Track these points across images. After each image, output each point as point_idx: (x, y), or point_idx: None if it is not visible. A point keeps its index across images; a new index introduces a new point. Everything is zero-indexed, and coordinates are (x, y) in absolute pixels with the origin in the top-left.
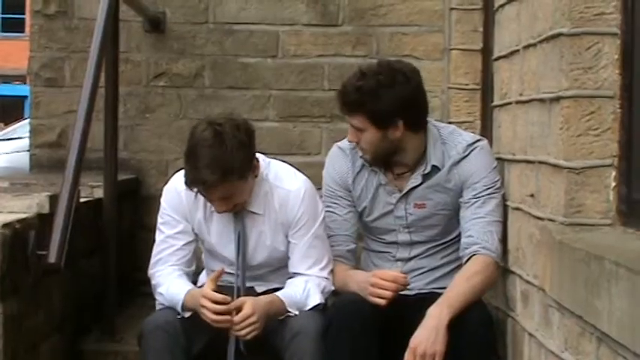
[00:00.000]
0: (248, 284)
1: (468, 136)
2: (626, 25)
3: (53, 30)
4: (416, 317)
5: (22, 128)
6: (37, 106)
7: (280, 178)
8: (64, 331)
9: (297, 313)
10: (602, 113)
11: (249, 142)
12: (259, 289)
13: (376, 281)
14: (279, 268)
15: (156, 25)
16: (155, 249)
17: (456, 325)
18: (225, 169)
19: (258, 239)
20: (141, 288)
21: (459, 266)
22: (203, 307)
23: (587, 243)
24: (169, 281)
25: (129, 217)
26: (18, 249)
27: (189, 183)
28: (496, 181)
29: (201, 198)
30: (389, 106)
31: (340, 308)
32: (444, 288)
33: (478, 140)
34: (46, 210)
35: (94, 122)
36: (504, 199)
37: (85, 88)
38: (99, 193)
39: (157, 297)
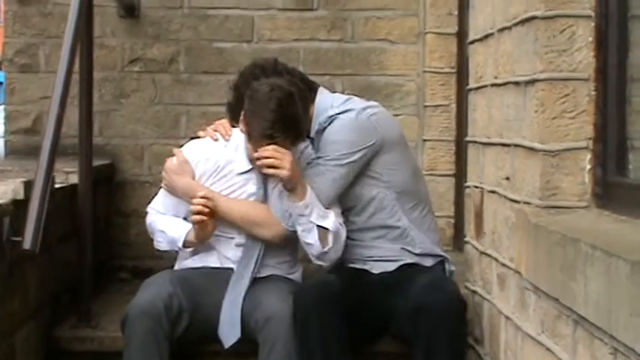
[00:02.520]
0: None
1: (347, 106)
2: (600, 7)
3: (27, 16)
4: (376, 299)
5: None
6: (11, 93)
7: None
8: (39, 318)
9: (312, 217)
10: (576, 96)
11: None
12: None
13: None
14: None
15: (130, 10)
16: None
17: (426, 316)
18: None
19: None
20: (117, 274)
21: (385, 227)
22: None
23: (562, 226)
24: (168, 220)
25: (104, 202)
26: None
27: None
28: (341, 155)
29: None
30: None
31: (307, 290)
32: (396, 259)
33: (345, 111)
34: (20, 196)
35: (69, 108)
36: (479, 182)
37: (60, 73)
38: (74, 179)
39: (157, 236)
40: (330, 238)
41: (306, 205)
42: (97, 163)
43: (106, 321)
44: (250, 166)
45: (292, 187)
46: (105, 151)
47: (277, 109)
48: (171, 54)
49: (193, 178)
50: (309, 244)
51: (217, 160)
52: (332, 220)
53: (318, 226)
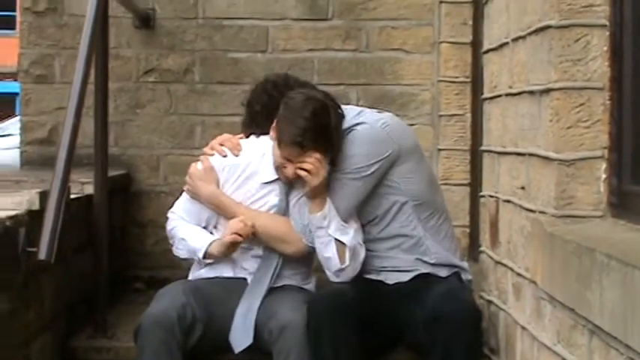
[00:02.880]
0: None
1: (360, 119)
2: (614, 16)
3: (43, 27)
4: (391, 308)
5: (13, 125)
6: (27, 103)
7: None
8: (55, 328)
9: (330, 230)
10: (591, 105)
11: None
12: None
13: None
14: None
15: (146, 20)
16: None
17: (443, 324)
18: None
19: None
20: (132, 284)
21: (400, 237)
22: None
23: (578, 235)
24: (190, 229)
25: (120, 213)
26: (8, 246)
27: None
28: (358, 168)
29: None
30: None
31: (321, 300)
32: (410, 270)
33: (358, 124)
34: (36, 207)
35: (84, 118)
36: (494, 191)
37: (75, 84)
38: (89, 190)
39: (177, 243)
40: (348, 254)
41: (324, 216)
42: (112, 173)
43: (121, 331)
44: (275, 177)
45: (313, 196)
46: (120, 161)
47: (311, 118)
48: (186, 64)
49: (218, 185)
50: (327, 257)
51: (244, 168)
52: (350, 236)
53: (335, 239)
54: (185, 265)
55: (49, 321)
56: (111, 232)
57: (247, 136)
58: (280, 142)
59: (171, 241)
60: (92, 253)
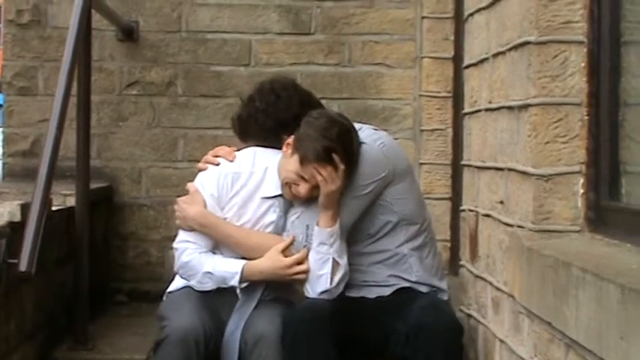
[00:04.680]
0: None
1: (361, 137)
2: (592, 33)
3: (26, 39)
4: (373, 320)
5: None
6: (10, 115)
7: None
8: (35, 340)
9: (332, 249)
10: (569, 120)
11: None
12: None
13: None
14: None
15: (129, 33)
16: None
17: (426, 335)
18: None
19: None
20: (114, 296)
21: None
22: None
23: (555, 249)
24: (212, 259)
25: (102, 225)
26: None
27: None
28: (356, 187)
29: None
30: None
31: (296, 311)
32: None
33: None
34: (17, 218)
35: (67, 131)
36: (474, 206)
37: (58, 96)
38: (71, 202)
39: (200, 278)
40: (338, 276)
41: (332, 233)
42: (94, 185)
43: (102, 343)
44: (277, 193)
45: (329, 205)
46: (103, 173)
47: (337, 139)
48: (169, 77)
49: (205, 207)
50: (319, 275)
51: (247, 178)
52: (345, 261)
53: (333, 259)
54: (167, 277)
55: (29, 332)
56: (92, 245)
57: (239, 149)
58: (304, 159)
59: (185, 275)
60: (73, 265)
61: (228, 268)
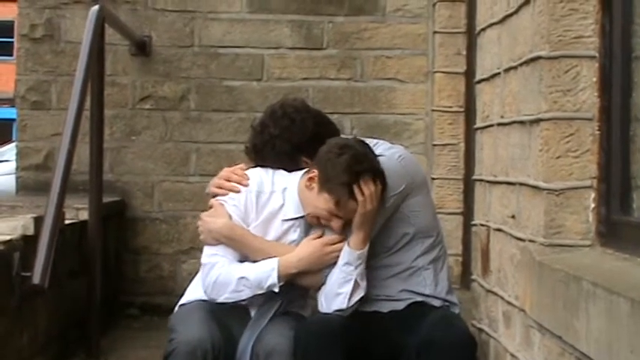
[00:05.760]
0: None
1: (379, 151)
2: (604, 48)
3: (40, 53)
4: (384, 334)
5: (10, 151)
6: (23, 129)
7: None
8: (48, 353)
9: (356, 271)
10: (581, 135)
11: None
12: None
13: None
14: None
15: (142, 48)
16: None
17: (437, 350)
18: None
19: None
20: (126, 310)
21: (399, 265)
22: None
23: (566, 264)
24: (244, 265)
25: (114, 239)
26: (2, 270)
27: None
28: None
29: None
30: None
31: (308, 325)
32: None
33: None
34: (30, 232)
35: (79, 145)
36: (486, 220)
37: (71, 110)
38: (84, 215)
39: (235, 287)
40: (356, 298)
41: (359, 256)
42: (107, 199)
43: (114, 357)
44: (297, 215)
45: (363, 226)
46: (115, 187)
47: (368, 167)
48: (181, 92)
49: (230, 219)
50: (338, 293)
51: (268, 198)
52: (365, 284)
53: (355, 281)
54: (179, 291)
55: (42, 345)
56: (105, 258)
57: (248, 167)
58: (339, 202)
59: (214, 294)
60: (86, 278)
61: (263, 268)
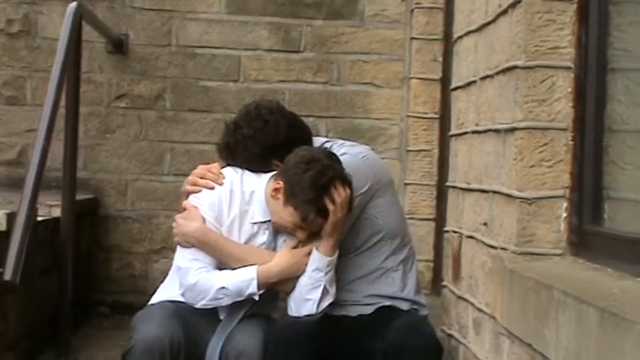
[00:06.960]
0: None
1: (340, 150)
2: (579, 59)
3: (16, 49)
4: (353, 339)
5: None
6: None
7: None
8: (18, 349)
9: (326, 278)
10: (554, 145)
11: None
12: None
13: None
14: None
15: (118, 46)
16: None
17: (404, 355)
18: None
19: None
20: (97, 308)
21: (366, 267)
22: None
23: (537, 272)
24: (223, 274)
25: (87, 236)
26: None
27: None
28: None
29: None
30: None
31: (278, 327)
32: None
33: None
34: (3, 228)
35: (54, 141)
36: (458, 227)
37: (46, 106)
38: (57, 212)
39: (214, 295)
40: (325, 304)
41: (329, 263)
42: (80, 197)
43: (85, 354)
44: (266, 218)
45: (334, 232)
46: (89, 185)
47: (332, 179)
48: (157, 91)
49: (204, 222)
50: (306, 299)
51: (241, 209)
52: (334, 290)
53: (324, 287)
54: (150, 290)
55: (12, 342)
56: (77, 256)
57: (223, 166)
58: (305, 219)
59: (192, 298)
60: (57, 275)
61: (242, 277)
